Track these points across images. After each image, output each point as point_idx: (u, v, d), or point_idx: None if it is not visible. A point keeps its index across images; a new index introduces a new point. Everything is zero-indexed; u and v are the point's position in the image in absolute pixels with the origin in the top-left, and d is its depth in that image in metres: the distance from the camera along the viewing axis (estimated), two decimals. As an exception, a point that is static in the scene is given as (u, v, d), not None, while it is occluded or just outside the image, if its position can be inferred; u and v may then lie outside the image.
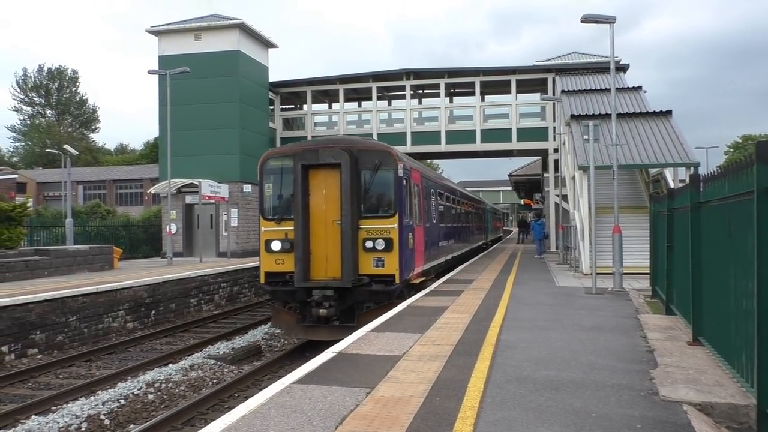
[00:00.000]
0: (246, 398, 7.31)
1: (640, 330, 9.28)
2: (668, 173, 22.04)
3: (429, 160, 48.79)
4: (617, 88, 21.00)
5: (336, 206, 12.47)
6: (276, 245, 12.90)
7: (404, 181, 13.03)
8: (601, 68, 30.95)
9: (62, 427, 8.56)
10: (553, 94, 29.57)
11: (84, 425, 8.64)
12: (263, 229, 13.22)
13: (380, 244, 12.45)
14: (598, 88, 28.49)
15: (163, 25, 31.19)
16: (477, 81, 32.42)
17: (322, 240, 12.66)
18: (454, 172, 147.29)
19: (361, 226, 12.51)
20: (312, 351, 11.59)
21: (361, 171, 12.59)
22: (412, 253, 13.60)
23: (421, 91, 35.82)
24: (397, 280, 12.52)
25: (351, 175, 12.32)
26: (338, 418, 5.21)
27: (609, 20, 14.94)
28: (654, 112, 23.30)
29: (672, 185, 19.84)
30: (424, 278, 15.25)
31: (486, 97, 34.67)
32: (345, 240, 12.23)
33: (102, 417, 8.96)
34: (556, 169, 30.91)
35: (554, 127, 30.86)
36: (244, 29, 30.42)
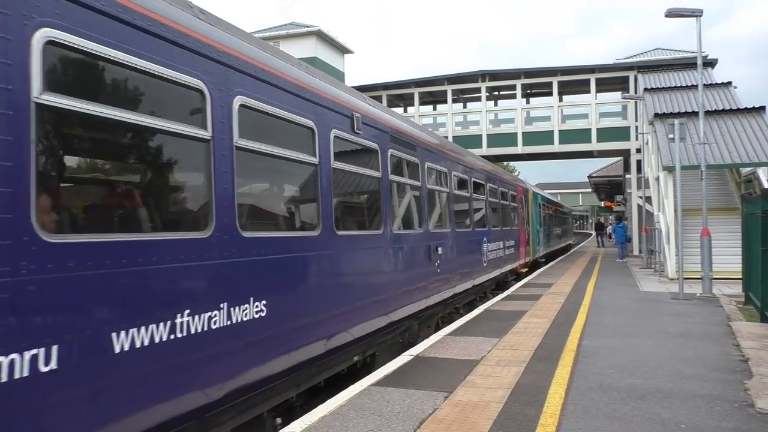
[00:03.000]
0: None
1: (732, 338, 8.82)
2: (762, 173, 20.84)
3: (506, 162, 48.07)
4: (705, 85, 20.05)
5: None
6: None
7: None
8: (686, 64, 29.70)
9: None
10: (635, 93, 28.57)
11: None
12: None
13: None
14: (684, 85, 27.31)
15: (243, 35, 32.24)
16: (554, 81, 31.73)
17: None
18: (531, 174, 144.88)
19: None
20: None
21: None
22: None
23: (496, 93, 35.38)
24: None
25: None
26: (416, 422, 5.21)
27: (695, 14, 14.32)
28: (746, 109, 22.09)
29: (766, 185, 18.78)
30: None
31: (564, 97, 33.86)
32: None
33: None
34: (639, 169, 29.80)
35: (636, 127, 29.81)
36: (321, 36, 31.00)
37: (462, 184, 12.16)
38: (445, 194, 10.82)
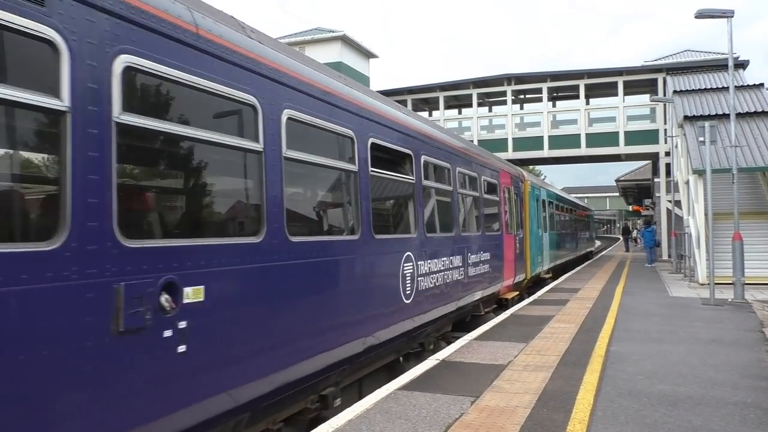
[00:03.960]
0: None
1: (765, 344, 8.64)
2: (795, 176, 20.41)
3: (531, 166, 47.76)
4: (736, 87, 19.69)
5: None
6: None
7: None
8: (717, 66, 29.21)
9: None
10: (664, 95, 28.19)
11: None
12: None
13: None
14: (714, 87, 26.86)
15: (269, 41, 32.53)
16: (581, 84, 31.47)
17: None
18: (558, 177, 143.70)
19: None
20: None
21: None
22: None
23: (522, 96, 35.20)
24: None
25: None
26: (443, 426, 5.19)
27: (726, 14, 14.09)
28: (778, 111, 21.65)
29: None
30: None
31: (591, 100, 33.54)
32: None
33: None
34: (668, 173, 29.38)
35: (665, 130, 29.41)
36: (346, 41, 31.15)
37: (335, 147, 6.43)
38: (267, 158, 5.01)
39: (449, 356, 8.02)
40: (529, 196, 16.78)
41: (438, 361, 7.71)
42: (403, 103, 35.12)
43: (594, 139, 31.10)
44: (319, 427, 5.26)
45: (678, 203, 25.52)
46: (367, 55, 33.75)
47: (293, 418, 5.76)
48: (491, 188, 12.71)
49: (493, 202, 12.86)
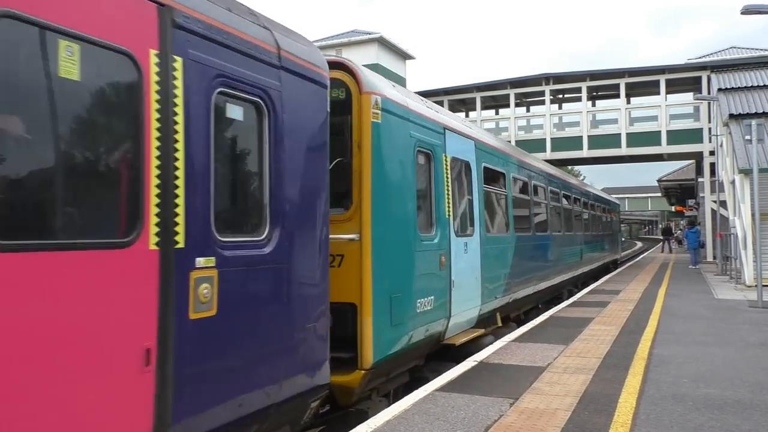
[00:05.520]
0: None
1: (817, 349, 8.35)
2: None
3: (570, 167, 47.09)
4: (784, 83, 19.11)
5: None
6: None
7: None
8: (763, 63, 28.38)
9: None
10: (709, 93, 27.51)
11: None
12: None
13: None
14: (761, 84, 26.09)
15: (307, 44, 32.86)
16: (622, 83, 30.92)
17: None
18: (597, 178, 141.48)
19: None
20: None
21: None
22: None
23: (561, 96, 34.74)
24: None
25: None
26: (481, 428, 5.15)
27: (774, 9, 13.69)
28: (829, 108, 20.93)
29: None
30: None
31: (632, 99, 32.92)
32: None
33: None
34: (713, 173, 28.66)
35: (710, 129, 28.69)
36: (383, 43, 31.22)
37: None
38: None
39: (487, 358, 7.95)
40: (385, 136, 6.45)
41: (476, 363, 7.65)
42: (440, 103, 35.03)
43: (635, 139, 30.52)
44: (357, 427, 5.26)
45: (723, 203, 24.88)
46: (404, 56, 33.80)
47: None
48: None
49: None
